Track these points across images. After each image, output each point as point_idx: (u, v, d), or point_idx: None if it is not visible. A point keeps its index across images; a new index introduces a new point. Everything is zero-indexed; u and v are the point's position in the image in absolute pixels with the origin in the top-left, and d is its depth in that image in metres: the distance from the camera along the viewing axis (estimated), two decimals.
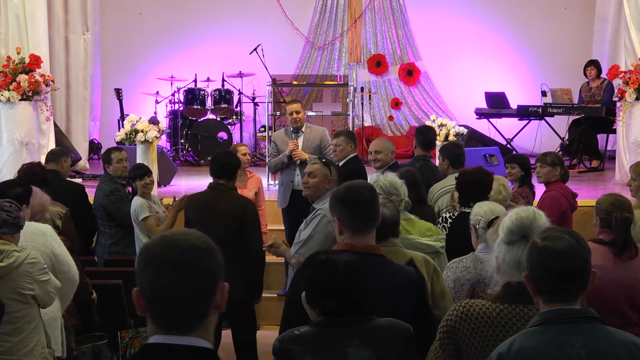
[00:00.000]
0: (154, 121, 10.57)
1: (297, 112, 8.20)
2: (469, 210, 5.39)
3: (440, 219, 5.78)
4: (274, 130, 12.22)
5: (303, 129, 8.27)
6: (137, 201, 7.16)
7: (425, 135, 7.66)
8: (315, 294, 3.14)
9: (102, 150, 13.45)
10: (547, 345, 2.65)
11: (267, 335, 7.48)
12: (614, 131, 11.71)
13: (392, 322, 3.15)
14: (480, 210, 4.63)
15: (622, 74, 10.66)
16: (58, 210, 6.61)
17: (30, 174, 6.73)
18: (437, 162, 9.06)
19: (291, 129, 8.30)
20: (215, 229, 5.85)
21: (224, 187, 6.23)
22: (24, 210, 4.99)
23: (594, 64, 12.41)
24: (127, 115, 10.86)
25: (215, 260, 2.13)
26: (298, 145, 8.14)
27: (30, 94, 10.15)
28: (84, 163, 11.98)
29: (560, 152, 12.45)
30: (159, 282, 2.08)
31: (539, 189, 7.21)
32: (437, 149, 10.36)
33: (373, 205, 3.66)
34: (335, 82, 14.53)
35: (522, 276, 3.00)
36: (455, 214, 5.70)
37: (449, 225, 5.64)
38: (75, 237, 6.74)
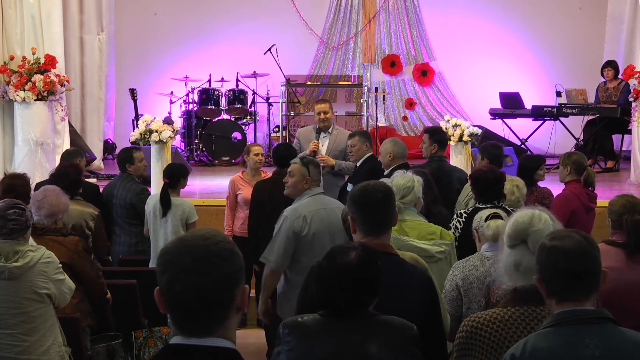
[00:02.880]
0: (168, 121, 10.59)
1: (325, 113, 8.17)
2: (483, 207, 5.55)
3: (455, 214, 5.81)
4: (287, 131, 12.24)
5: (330, 130, 8.24)
6: (189, 203, 7.13)
7: (441, 134, 7.67)
8: (324, 286, 3.15)
9: (117, 150, 13.51)
10: (561, 346, 2.64)
11: (258, 336, 7.52)
12: (629, 132, 11.65)
13: (396, 320, 3.15)
14: (480, 213, 4.77)
15: (638, 74, 10.62)
16: (90, 212, 6.66)
17: (63, 175, 6.71)
18: (470, 161, 9.11)
19: (317, 128, 8.28)
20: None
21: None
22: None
23: (611, 64, 12.34)
24: (142, 115, 10.88)
25: (233, 265, 2.11)
26: (319, 147, 8.12)
27: (45, 94, 10.20)
28: (98, 163, 12.02)
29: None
30: (174, 288, 2.07)
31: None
32: (452, 149, 10.39)
33: (387, 207, 3.65)
34: (350, 83, 14.52)
35: (523, 279, 3.01)
36: (470, 210, 5.74)
37: (463, 220, 5.70)
38: (104, 239, 6.80)
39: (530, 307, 3.03)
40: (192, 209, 7.07)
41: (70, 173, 6.69)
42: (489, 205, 5.62)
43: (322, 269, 3.17)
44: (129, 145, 10.47)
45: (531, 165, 7.29)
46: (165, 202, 7.00)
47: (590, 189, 6.83)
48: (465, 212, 5.75)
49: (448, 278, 4.45)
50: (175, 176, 7.10)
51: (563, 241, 2.69)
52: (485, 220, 4.65)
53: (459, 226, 5.67)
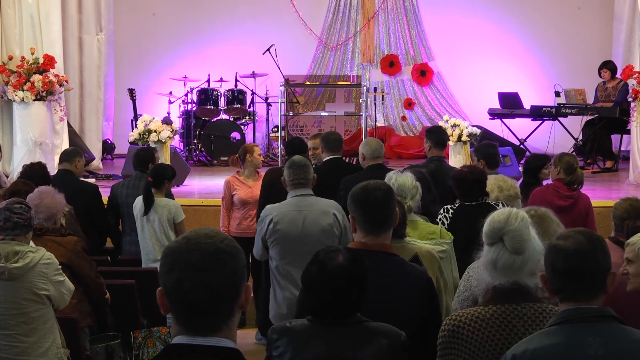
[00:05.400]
0: (167, 121, 10.61)
1: (315, 149, 7.89)
2: (469, 204, 5.69)
3: (442, 209, 5.82)
4: (286, 131, 12.24)
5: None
6: (174, 202, 7.12)
7: (439, 135, 7.62)
8: (308, 291, 3.15)
9: (115, 151, 13.51)
10: (564, 344, 2.63)
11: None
12: (628, 131, 11.65)
13: (385, 327, 3.14)
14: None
15: (637, 74, 10.62)
16: None
17: (28, 173, 6.77)
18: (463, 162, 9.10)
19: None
20: None
21: None
22: None
23: (607, 65, 12.35)
24: (141, 115, 10.89)
25: (239, 261, 2.12)
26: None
27: (44, 94, 10.20)
28: (97, 163, 12.01)
29: (573, 153, 12.42)
30: (184, 286, 2.06)
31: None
32: (451, 149, 10.40)
33: (387, 206, 3.64)
34: (348, 83, 14.51)
35: (501, 277, 3.02)
36: (456, 205, 5.78)
37: (450, 216, 5.72)
38: (81, 235, 6.76)
39: (511, 305, 3.03)
40: (178, 208, 7.04)
41: (36, 169, 6.75)
42: (474, 203, 5.67)
43: (309, 274, 3.16)
44: (128, 145, 10.50)
45: (536, 164, 7.33)
46: (147, 199, 6.95)
47: (567, 187, 6.80)
48: (451, 208, 5.78)
49: (463, 279, 4.46)
50: (159, 176, 7.06)
51: (565, 241, 2.70)
52: None
53: (445, 222, 5.69)
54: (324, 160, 7.35)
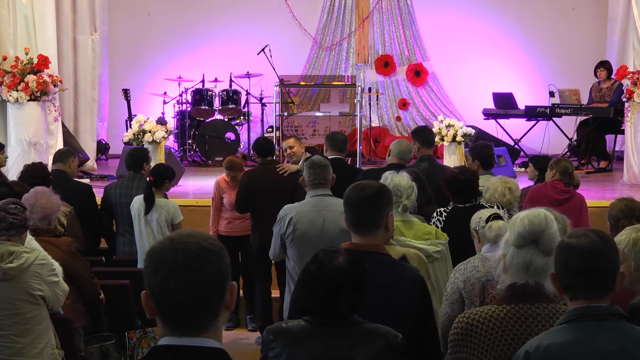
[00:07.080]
0: (161, 121, 10.59)
1: (291, 147, 7.93)
2: (462, 206, 5.70)
3: (435, 212, 5.81)
4: (281, 131, 12.24)
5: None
6: (173, 203, 7.11)
7: (426, 134, 7.63)
8: (306, 290, 3.14)
9: (109, 151, 13.50)
10: (576, 341, 2.67)
11: (250, 336, 7.55)
12: (622, 132, 11.68)
13: (381, 328, 3.12)
14: (479, 214, 4.75)
15: (631, 74, 10.64)
16: (62, 209, 6.63)
17: (30, 172, 6.76)
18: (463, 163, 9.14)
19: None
20: (275, 191, 7.09)
21: (273, 161, 7.56)
22: None
23: (604, 65, 12.36)
24: (135, 115, 10.87)
25: (223, 260, 2.12)
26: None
27: (38, 94, 10.18)
28: (91, 163, 12.00)
29: (568, 153, 12.45)
30: (170, 286, 2.06)
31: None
32: (445, 149, 10.41)
33: (373, 207, 3.63)
34: (343, 83, 14.50)
35: (526, 278, 3.02)
36: (449, 208, 5.78)
37: (443, 219, 5.73)
38: (80, 236, 6.76)
39: (525, 304, 3.04)
40: (176, 209, 7.05)
41: (37, 170, 6.76)
42: (467, 205, 5.66)
43: (308, 273, 3.15)
44: (123, 145, 10.48)
45: (541, 165, 7.38)
46: (148, 199, 6.95)
47: (564, 183, 6.93)
48: (444, 211, 5.77)
49: (450, 281, 4.46)
50: (160, 176, 7.06)
51: (578, 239, 2.73)
52: (486, 221, 4.63)
53: (439, 225, 5.68)
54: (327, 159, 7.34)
